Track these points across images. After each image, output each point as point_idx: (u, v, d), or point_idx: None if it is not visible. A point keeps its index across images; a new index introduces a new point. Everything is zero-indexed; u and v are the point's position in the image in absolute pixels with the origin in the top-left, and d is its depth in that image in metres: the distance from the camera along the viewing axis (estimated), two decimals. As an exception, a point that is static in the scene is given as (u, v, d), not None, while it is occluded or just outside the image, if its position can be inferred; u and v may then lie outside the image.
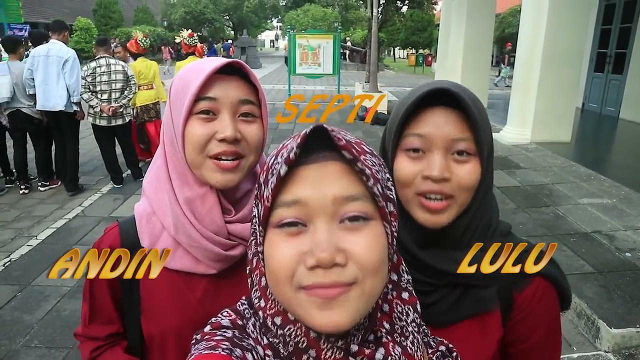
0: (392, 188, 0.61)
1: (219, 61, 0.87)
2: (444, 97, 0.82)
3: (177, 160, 0.91)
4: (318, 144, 0.55)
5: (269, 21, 59.16)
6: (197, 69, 0.88)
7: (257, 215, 0.60)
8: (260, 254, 0.60)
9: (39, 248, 4.39)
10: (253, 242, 0.62)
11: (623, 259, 3.80)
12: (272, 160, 0.58)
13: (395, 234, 0.60)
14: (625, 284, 3.43)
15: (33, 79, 5.53)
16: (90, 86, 5.59)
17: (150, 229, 0.94)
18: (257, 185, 0.61)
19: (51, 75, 5.54)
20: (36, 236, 4.65)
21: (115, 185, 6.14)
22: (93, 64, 5.63)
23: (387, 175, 0.61)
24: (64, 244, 4.48)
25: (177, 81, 0.91)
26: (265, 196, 0.56)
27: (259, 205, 0.59)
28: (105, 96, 5.67)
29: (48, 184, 6.02)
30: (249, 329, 0.62)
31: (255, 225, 0.61)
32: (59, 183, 6.13)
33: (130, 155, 6.30)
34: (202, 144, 0.87)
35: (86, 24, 21.29)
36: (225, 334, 0.59)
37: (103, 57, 5.70)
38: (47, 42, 5.80)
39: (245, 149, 0.90)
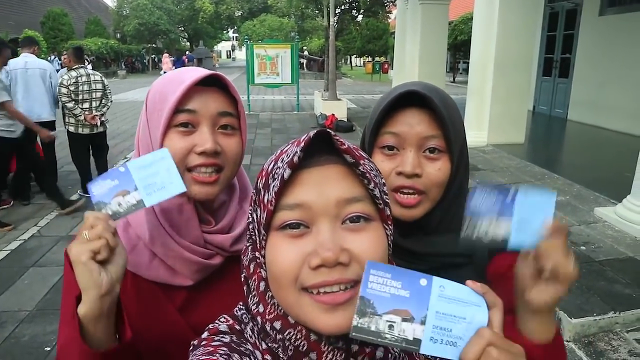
0: (387, 193, 0.63)
1: (198, 72, 0.85)
2: (416, 99, 0.88)
3: None
4: (318, 148, 0.56)
5: (225, 32, 58.76)
6: (176, 80, 0.86)
7: (256, 220, 0.60)
8: (257, 259, 0.60)
9: (-8, 272, 4.17)
10: (250, 247, 0.62)
11: (579, 253, 3.98)
12: (271, 166, 0.59)
13: (392, 236, 0.62)
14: (581, 275, 3.60)
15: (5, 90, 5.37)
16: (72, 95, 5.60)
17: (127, 238, 0.92)
18: (254, 191, 0.61)
19: (35, 87, 5.66)
20: (-12, 260, 4.41)
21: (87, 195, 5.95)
22: (74, 74, 5.64)
23: (383, 181, 0.63)
24: (20, 266, 4.26)
25: (154, 92, 0.90)
26: (267, 200, 0.56)
27: (258, 209, 0.59)
28: (86, 105, 5.73)
29: (-1, 204, 5.73)
30: (247, 333, 0.62)
31: (253, 231, 0.61)
32: (11, 203, 5.83)
33: (103, 166, 6.18)
34: (181, 157, 0.85)
35: (33, 36, 20.52)
36: (222, 339, 0.59)
37: (82, 67, 5.77)
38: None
39: (224, 162, 0.89)
